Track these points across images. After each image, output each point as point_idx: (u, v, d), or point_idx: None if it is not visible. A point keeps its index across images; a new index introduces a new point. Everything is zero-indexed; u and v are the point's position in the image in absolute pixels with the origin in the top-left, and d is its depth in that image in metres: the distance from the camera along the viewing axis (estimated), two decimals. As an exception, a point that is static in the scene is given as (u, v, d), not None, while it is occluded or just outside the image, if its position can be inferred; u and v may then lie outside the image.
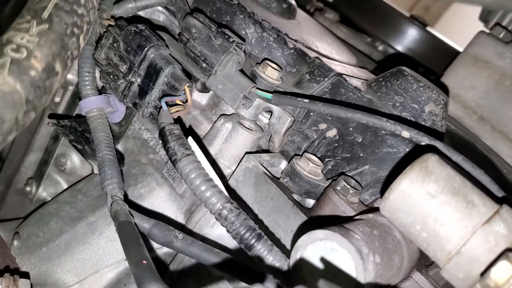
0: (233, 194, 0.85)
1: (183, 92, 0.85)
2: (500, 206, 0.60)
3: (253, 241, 0.71)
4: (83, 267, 0.99)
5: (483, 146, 1.05)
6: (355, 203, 0.79)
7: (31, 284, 0.89)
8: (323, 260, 0.62)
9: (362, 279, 0.59)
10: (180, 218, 0.99)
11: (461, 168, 0.74)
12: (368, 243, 0.63)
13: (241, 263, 0.76)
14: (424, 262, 0.74)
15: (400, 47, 1.52)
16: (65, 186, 1.21)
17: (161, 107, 0.83)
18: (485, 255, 0.56)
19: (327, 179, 0.88)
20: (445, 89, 1.21)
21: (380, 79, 0.92)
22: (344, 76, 0.94)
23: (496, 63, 1.18)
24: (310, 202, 0.88)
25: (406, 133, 0.77)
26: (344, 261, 0.61)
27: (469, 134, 1.08)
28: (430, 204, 0.60)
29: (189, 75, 0.89)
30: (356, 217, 0.73)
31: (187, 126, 0.99)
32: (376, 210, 0.69)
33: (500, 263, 0.50)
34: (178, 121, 0.92)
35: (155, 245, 0.98)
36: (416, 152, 0.78)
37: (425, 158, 0.63)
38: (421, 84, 0.88)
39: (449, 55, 1.34)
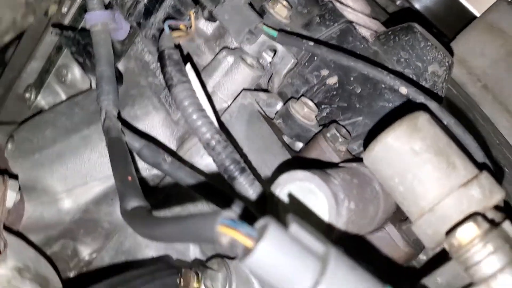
0: (224, 128, 0.86)
1: (188, 17, 0.84)
2: (480, 171, 0.61)
3: (236, 173, 0.72)
4: (73, 177, 1.02)
5: (480, 114, 1.05)
6: (342, 151, 0.80)
7: (20, 187, 0.92)
8: (299, 200, 0.64)
9: (334, 222, 0.61)
10: (172, 145, 1.01)
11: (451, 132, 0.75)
12: (346, 189, 0.65)
13: (224, 191, 0.78)
14: (399, 217, 0.76)
15: (418, 5, 1.48)
16: (64, 97, 1.22)
17: (163, 29, 0.83)
18: (456, 216, 0.57)
19: (319, 125, 0.88)
20: (452, 54, 1.18)
21: (389, 33, 0.91)
22: (354, 24, 0.92)
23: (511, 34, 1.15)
24: (299, 146, 0.89)
25: (404, 89, 0.76)
26: (320, 203, 0.63)
27: (469, 100, 1.08)
28: (412, 160, 0.60)
29: (197, 1, 0.88)
30: (340, 165, 0.75)
31: (189, 54, 0.99)
32: (360, 160, 0.70)
33: (467, 224, 0.51)
34: (180, 48, 0.91)
35: (144, 165, 1.00)
36: (410, 110, 0.78)
37: (415, 115, 0.63)
38: (428, 43, 0.87)
39: (465, 19, 1.31)
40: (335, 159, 0.79)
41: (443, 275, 0.58)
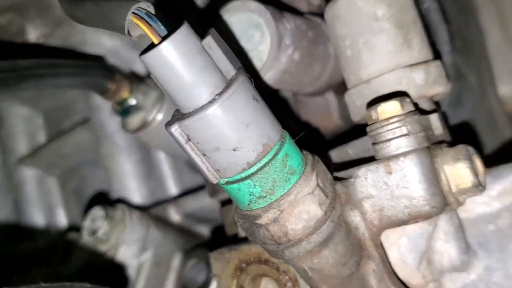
0: None
1: None
2: (434, 59, 0.57)
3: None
4: None
5: (475, 21, 0.98)
6: (314, 5, 0.74)
7: None
8: (245, 31, 0.59)
9: (269, 65, 0.58)
10: None
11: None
12: (296, 37, 0.60)
13: None
14: (343, 90, 0.73)
15: None
16: None
17: None
18: (368, 97, 0.54)
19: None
20: None
21: None
22: None
23: None
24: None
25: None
26: (263, 42, 0.59)
27: (471, 3, 0.99)
28: (370, 24, 0.55)
29: None
30: (305, 15, 0.69)
31: None
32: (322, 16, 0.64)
33: (392, 101, 0.48)
34: None
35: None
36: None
37: (395, -21, 0.56)
38: None
39: None
40: (303, 7, 0.73)
41: (354, 147, 0.57)
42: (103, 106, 1.00)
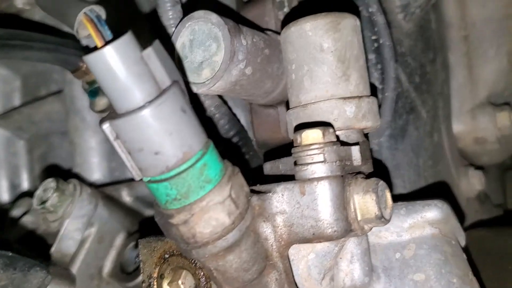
0: None
1: None
2: (369, 96, 0.61)
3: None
4: None
5: (442, 59, 1.02)
6: (280, 20, 0.78)
7: None
8: (204, 40, 0.63)
9: (219, 75, 0.62)
10: None
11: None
12: (250, 54, 0.64)
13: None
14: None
15: None
16: None
17: None
18: (320, 120, 0.59)
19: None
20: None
21: None
22: None
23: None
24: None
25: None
26: (218, 53, 0.63)
27: (442, 41, 1.04)
28: (315, 55, 0.60)
29: None
30: (268, 32, 0.73)
31: None
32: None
33: (315, 129, 0.53)
34: None
35: None
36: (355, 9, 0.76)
37: (344, 15, 0.61)
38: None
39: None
40: (271, 26, 0.77)
41: (284, 163, 0.61)
42: (76, 81, 1.04)
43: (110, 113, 0.46)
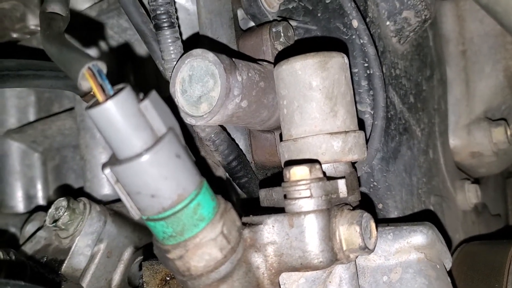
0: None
1: None
2: (355, 131, 0.65)
3: (164, 24, 0.74)
4: None
5: (440, 74, 1.05)
6: (277, 50, 0.81)
7: None
8: (202, 76, 0.67)
9: (216, 110, 0.66)
10: None
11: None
12: (246, 88, 0.68)
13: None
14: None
15: None
16: None
17: None
18: (309, 154, 0.63)
19: (277, 16, 0.88)
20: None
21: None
22: None
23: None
24: (251, 25, 0.89)
25: (355, 23, 0.76)
26: (215, 89, 0.67)
27: (439, 57, 1.07)
28: (304, 92, 0.64)
29: None
30: (264, 63, 0.77)
31: None
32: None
33: (303, 166, 0.57)
34: None
35: None
36: (344, 48, 0.79)
37: (332, 55, 0.64)
38: (416, -11, 0.84)
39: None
40: (268, 55, 0.81)
41: (277, 193, 0.65)
42: (86, 100, 1.09)
43: (111, 158, 0.51)
